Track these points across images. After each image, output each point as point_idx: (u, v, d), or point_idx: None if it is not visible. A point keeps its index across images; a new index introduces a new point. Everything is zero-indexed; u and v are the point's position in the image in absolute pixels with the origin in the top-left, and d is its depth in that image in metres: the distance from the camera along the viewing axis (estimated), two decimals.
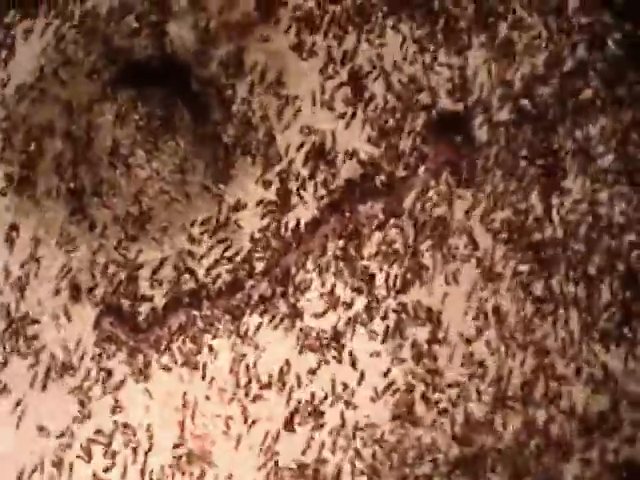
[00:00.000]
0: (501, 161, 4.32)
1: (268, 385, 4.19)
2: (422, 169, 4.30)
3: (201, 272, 4.24)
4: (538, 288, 4.28)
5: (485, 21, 4.39)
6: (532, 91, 4.37)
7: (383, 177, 4.31)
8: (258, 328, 4.22)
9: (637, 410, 4.22)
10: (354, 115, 4.33)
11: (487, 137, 4.34)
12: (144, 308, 4.24)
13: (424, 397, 4.21)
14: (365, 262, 4.26)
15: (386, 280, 4.25)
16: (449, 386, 4.22)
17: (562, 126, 4.34)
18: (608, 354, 4.27)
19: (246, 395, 4.19)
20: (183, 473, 4.14)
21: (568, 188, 4.33)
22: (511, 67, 4.37)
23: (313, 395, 4.20)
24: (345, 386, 4.21)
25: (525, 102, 4.37)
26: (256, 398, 4.19)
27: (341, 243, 4.25)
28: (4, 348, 4.20)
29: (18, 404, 4.17)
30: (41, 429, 4.16)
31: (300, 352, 4.22)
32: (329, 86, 4.35)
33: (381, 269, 4.25)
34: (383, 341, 4.23)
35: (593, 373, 4.23)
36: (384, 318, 4.24)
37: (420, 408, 4.21)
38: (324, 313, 4.24)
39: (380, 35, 4.38)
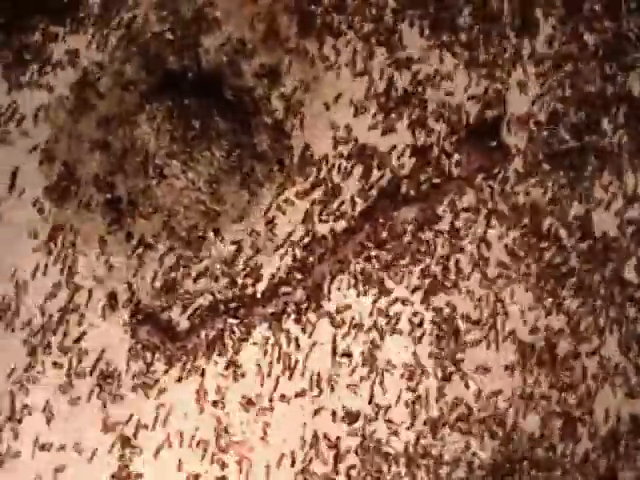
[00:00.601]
0: (533, 166, 4.37)
1: (303, 393, 4.24)
2: (455, 176, 4.34)
3: (237, 280, 4.29)
4: (571, 291, 4.32)
5: (523, 29, 4.44)
6: (566, 97, 4.41)
7: (417, 184, 4.35)
8: (294, 335, 4.27)
9: None
10: (388, 124, 4.37)
11: (520, 144, 4.38)
12: (181, 316, 4.28)
13: (457, 402, 4.27)
14: (399, 269, 4.30)
15: (420, 288, 4.30)
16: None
17: (597, 131, 4.40)
18: None
19: (282, 402, 4.24)
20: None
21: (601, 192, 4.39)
22: (547, 75, 4.41)
23: (347, 401, 4.25)
24: (379, 391, 4.26)
25: (559, 108, 4.41)
26: (292, 405, 4.23)
27: (375, 250, 4.30)
28: (41, 355, 4.26)
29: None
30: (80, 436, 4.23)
31: (334, 359, 4.26)
32: (363, 96, 4.38)
33: (417, 277, 4.30)
34: (416, 348, 4.28)
35: (627, 376, 4.28)
36: (419, 325, 4.29)
37: (454, 413, 4.26)
38: (358, 320, 4.28)
39: (414, 47, 4.43)
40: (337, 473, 4.21)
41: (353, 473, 4.21)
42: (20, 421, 4.21)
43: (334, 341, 4.27)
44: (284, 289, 4.29)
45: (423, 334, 4.29)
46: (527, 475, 4.25)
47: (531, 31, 4.45)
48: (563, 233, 4.35)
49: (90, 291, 4.29)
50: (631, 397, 4.25)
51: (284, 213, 4.32)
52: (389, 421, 4.25)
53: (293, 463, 4.20)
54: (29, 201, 4.31)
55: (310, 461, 4.21)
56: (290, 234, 4.31)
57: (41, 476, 4.17)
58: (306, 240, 4.31)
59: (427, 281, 4.30)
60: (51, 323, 4.27)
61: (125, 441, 4.20)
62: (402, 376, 4.27)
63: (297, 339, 4.26)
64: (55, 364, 4.25)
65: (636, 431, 4.26)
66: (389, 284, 4.30)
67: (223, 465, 4.18)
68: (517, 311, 4.31)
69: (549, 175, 4.37)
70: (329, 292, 4.29)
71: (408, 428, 4.24)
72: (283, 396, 4.24)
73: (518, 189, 4.35)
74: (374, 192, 4.34)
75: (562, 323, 4.30)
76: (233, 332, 4.26)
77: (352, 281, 4.29)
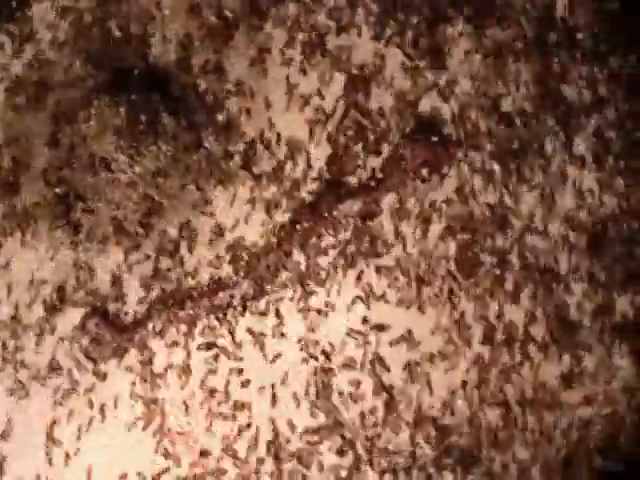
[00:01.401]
0: (475, 160, 4.42)
1: (247, 383, 4.29)
2: (399, 170, 4.40)
3: (184, 273, 4.35)
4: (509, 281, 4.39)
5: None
6: (510, 93, 4.48)
7: (361, 178, 4.40)
8: (239, 327, 4.32)
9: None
10: (332, 117, 4.44)
11: (464, 138, 4.44)
12: (129, 309, 4.34)
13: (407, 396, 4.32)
14: (344, 262, 4.36)
15: (364, 279, 4.35)
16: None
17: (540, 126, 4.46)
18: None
19: (227, 394, 4.28)
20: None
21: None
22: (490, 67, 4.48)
23: (295, 395, 4.30)
24: (325, 385, 4.31)
25: (503, 104, 4.47)
26: (237, 398, 4.28)
27: (319, 243, 4.35)
28: None
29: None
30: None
31: (280, 350, 4.32)
32: (307, 91, 4.45)
33: (361, 270, 4.36)
34: (363, 340, 4.33)
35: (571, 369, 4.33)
36: (365, 320, 4.33)
37: (400, 406, 4.31)
38: (303, 313, 4.34)
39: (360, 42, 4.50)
40: (279, 460, 4.25)
41: (298, 462, 4.26)
42: None
43: (280, 333, 4.32)
44: (230, 282, 4.34)
45: (371, 327, 4.34)
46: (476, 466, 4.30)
47: (477, 22, 4.51)
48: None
49: (39, 285, 4.35)
50: (569, 386, 4.31)
51: (231, 206, 4.37)
52: (336, 411, 4.30)
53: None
54: None
55: (255, 448, 4.27)
56: (236, 227, 4.37)
57: None
58: (251, 233, 4.36)
59: (373, 274, 4.36)
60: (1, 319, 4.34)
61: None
62: (347, 367, 4.32)
63: (243, 330, 4.31)
64: (4, 359, 4.33)
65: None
66: (334, 277, 4.35)
67: (167, 455, 4.24)
68: (469, 306, 4.37)
69: (492, 170, 4.44)
70: (274, 285, 4.35)
71: (355, 420, 4.29)
72: (229, 388, 4.29)
73: (461, 183, 4.42)
74: (319, 185, 4.40)
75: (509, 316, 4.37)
76: (179, 324, 4.31)
77: (297, 274, 4.35)
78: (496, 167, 4.42)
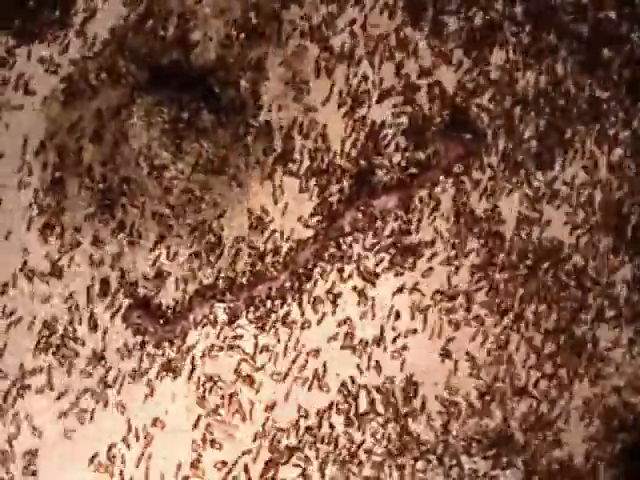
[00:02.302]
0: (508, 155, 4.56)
1: (289, 373, 4.43)
2: (433, 165, 4.53)
3: (224, 266, 4.47)
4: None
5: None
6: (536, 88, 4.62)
7: (396, 174, 4.53)
8: (278, 319, 4.45)
9: None
10: (367, 113, 4.56)
11: (495, 133, 4.56)
12: (170, 301, 4.47)
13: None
14: (379, 256, 4.49)
15: (402, 274, 4.49)
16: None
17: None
18: None
19: (269, 382, 4.43)
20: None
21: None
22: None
23: (330, 381, 4.45)
24: (357, 379, 4.47)
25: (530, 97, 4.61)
26: (280, 385, 4.43)
27: (356, 237, 4.49)
28: (39, 344, 4.45)
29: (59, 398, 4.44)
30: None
31: (318, 342, 4.46)
32: (345, 87, 4.57)
33: (398, 263, 4.50)
34: (397, 332, 4.48)
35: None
36: (397, 317, 4.48)
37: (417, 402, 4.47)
38: (341, 305, 4.47)
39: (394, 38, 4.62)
40: (317, 447, 4.40)
41: (332, 454, 4.41)
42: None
43: (318, 325, 4.46)
44: (268, 275, 4.47)
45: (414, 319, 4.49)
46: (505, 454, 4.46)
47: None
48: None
49: (84, 278, 4.47)
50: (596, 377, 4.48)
51: (269, 202, 4.50)
52: (370, 402, 4.45)
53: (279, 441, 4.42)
54: (25, 190, 4.50)
55: (300, 440, 4.41)
56: (274, 221, 4.49)
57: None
58: (289, 227, 4.49)
59: (407, 267, 4.49)
60: (47, 310, 4.46)
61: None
62: (381, 363, 4.47)
63: (281, 323, 4.46)
64: (50, 351, 4.45)
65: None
66: (369, 270, 4.49)
67: (212, 443, 4.39)
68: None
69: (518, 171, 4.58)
70: (312, 277, 4.48)
71: (388, 407, 4.44)
72: (271, 376, 4.44)
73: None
74: (354, 180, 4.52)
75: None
76: (219, 316, 4.44)
77: (334, 266, 4.48)
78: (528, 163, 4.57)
